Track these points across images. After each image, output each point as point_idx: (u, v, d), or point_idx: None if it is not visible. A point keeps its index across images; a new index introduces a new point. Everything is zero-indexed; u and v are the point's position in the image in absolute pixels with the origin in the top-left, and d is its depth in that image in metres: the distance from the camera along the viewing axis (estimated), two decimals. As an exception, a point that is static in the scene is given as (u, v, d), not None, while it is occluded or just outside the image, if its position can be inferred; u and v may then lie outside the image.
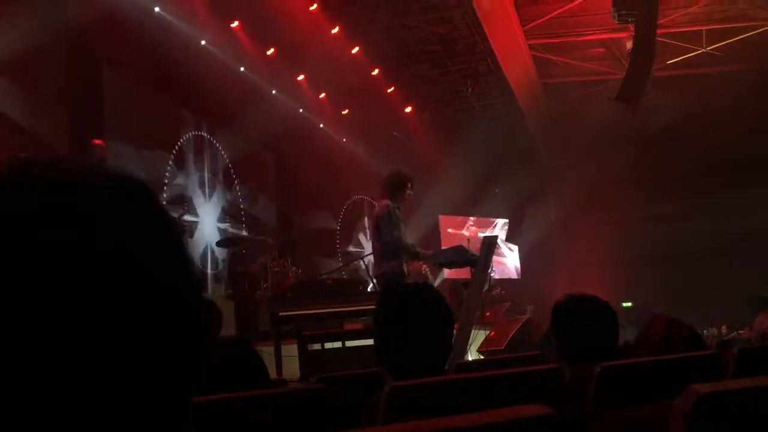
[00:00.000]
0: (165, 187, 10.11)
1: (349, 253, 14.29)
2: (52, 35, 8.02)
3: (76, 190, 0.60)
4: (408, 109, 13.78)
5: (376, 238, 6.53)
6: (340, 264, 13.11)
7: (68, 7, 7.79)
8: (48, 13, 7.73)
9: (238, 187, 11.93)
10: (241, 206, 11.93)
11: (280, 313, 6.39)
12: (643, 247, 14.46)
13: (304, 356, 6.19)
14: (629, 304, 14.17)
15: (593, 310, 2.61)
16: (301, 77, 11.74)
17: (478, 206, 15.01)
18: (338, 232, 14.55)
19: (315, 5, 9.87)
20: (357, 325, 6.96)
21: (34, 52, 7.80)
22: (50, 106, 8.14)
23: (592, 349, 2.48)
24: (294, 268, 10.78)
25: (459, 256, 7.40)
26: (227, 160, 11.72)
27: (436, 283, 11.09)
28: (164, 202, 9.92)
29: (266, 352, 5.72)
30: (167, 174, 10.14)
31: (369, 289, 7.21)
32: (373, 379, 2.58)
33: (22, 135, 7.59)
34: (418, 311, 2.15)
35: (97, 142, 7.66)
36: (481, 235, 12.07)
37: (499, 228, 14.43)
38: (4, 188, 0.59)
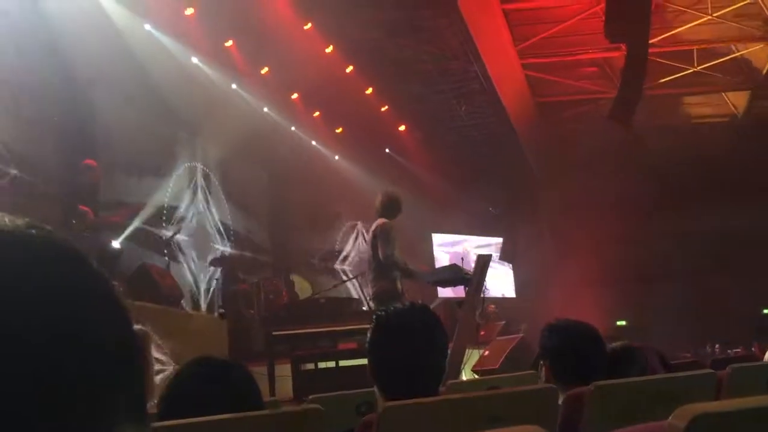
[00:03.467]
0: (153, 206, 10.07)
1: (343, 271, 14.27)
2: (42, 54, 8.03)
3: None
4: (402, 128, 13.82)
5: (373, 255, 6.55)
6: (335, 283, 13.07)
7: (57, 25, 7.78)
8: (36, 32, 7.75)
9: (230, 206, 11.92)
10: (234, 225, 11.91)
11: (274, 333, 6.37)
12: (638, 265, 14.48)
13: (298, 376, 6.16)
14: (623, 322, 14.17)
15: (578, 335, 2.70)
16: (294, 96, 11.77)
17: (472, 225, 15.02)
18: (336, 251, 14.53)
19: (309, 24, 9.92)
20: (351, 345, 6.93)
21: (25, 67, 7.82)
22: (40, 127, 8.12)
23: (579, 371, 2.53)
24: (287, 288, 10.76)
25: (453, 274, 7.40)
26: (220, 179, 11.73)
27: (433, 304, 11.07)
28: (161, 222, 9.92)
29: (259, 372, 5.68)
30: (158, 193, 10.12)
31: (364, 308, 7.20)
32: (367, 400, 2.57)
33: (12, 156, 7.58)
34: (412, 332, 2.14)
35: (89, 162, 7.65)
36: (475, 253, 12.07)
37: (494, 247, 14.43)
38: None
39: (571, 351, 2.65)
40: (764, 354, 3.92)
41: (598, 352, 2.68)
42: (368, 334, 2.24)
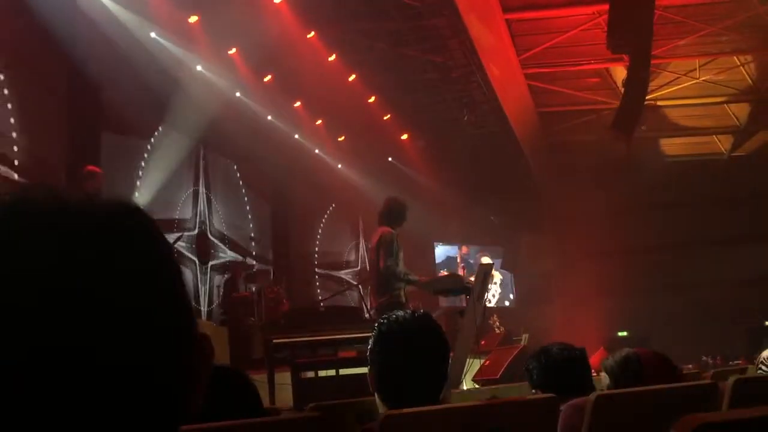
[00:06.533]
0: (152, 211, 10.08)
1: (344, 279, 14.26)
2: (52, 61, 8.09)
3: (74, 226, 0.60)
4: (404, 137, 13.84)
5: (375, 265, 6.53)
6: (336, 291, 13.06)
7: (67, 34, 7.84)
8: (48, 39, 7.80)
9: (232, 214, 11.92)
10: (235, 233, 11.91)
11: (274, 341, 6.35)
12: (640, 276, 14.45)
13: (298, 384, 6.14)
14: (625, 333, 14.13)
15: (561, 355, 2.87)
16: (297, 104, 11.79)
17: (474, 234, 15.02)
18: (337, 259, 14.53)
19: (312, 33, 9.95)
20: (351, 353, 6.92)
21: (35, 78, 7.86)
22: (49, 133, 8.16)
23: (566, 387, 2.61)
24: (288, 295, 10.74)
25: (454, 284, 7.39)
26: (222, 186, 11.74)
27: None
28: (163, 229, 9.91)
29: (259, 380, 5.67)
30: (163, 199, 10.13)
31: (365, 316, 7.18)
32: (368, 408, 2.56)
33: (21, 159, 7.61)
34: (413, 340, 2.14)
35: (93, 168, 7.66)
36: (477, 262, 12.06)
37: (495, 256, 14.41)
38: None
39: (555, 379, 2.80)
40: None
41: (580, 373, 2.85)
42: (369, 343, 2.24)
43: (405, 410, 1.86)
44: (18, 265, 0.57)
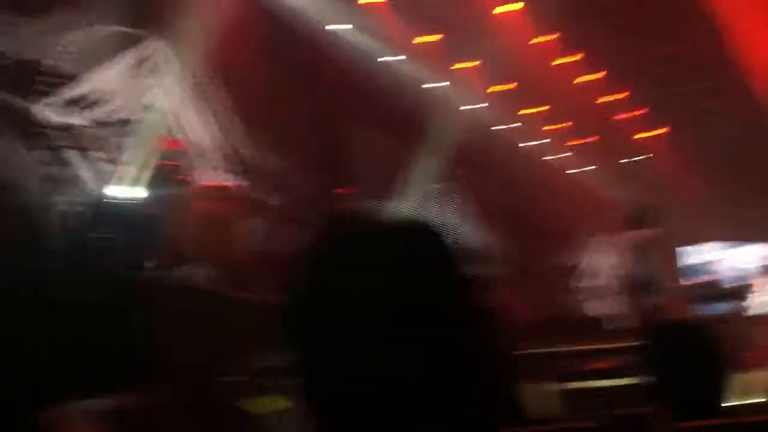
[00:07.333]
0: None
1: (581, 288, 13.71)
2: (306, 97, 8.72)
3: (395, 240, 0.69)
4: (651, 133, 13.13)
5: (627, 271, 6.33)
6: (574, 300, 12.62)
7: (317, 71, 8.40)
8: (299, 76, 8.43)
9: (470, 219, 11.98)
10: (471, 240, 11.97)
11: (530, 351, 6.34)
12: None
13: (563, 395, 6.06)
14: None
15: None
16: (536, 111, 11.69)
17: (740, 230, 13.71)
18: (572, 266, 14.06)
19: (552, 36, 9.86)
20: (610, 363, 6.70)
21: (290, 113, 8.52)
22: (306, 162, 8.75)
23: None
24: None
25: (714, 290, 6.90)
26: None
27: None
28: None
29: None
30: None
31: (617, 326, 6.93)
32: (644, 421, 2.47)
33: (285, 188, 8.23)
34: (701, 345, 2.02)
35: (345, 191, 8.13)
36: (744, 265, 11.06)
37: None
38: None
39: None
40: None
41: None
42: (646, 349, 2.15)
43: (697, 422, 1.77)
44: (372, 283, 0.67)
